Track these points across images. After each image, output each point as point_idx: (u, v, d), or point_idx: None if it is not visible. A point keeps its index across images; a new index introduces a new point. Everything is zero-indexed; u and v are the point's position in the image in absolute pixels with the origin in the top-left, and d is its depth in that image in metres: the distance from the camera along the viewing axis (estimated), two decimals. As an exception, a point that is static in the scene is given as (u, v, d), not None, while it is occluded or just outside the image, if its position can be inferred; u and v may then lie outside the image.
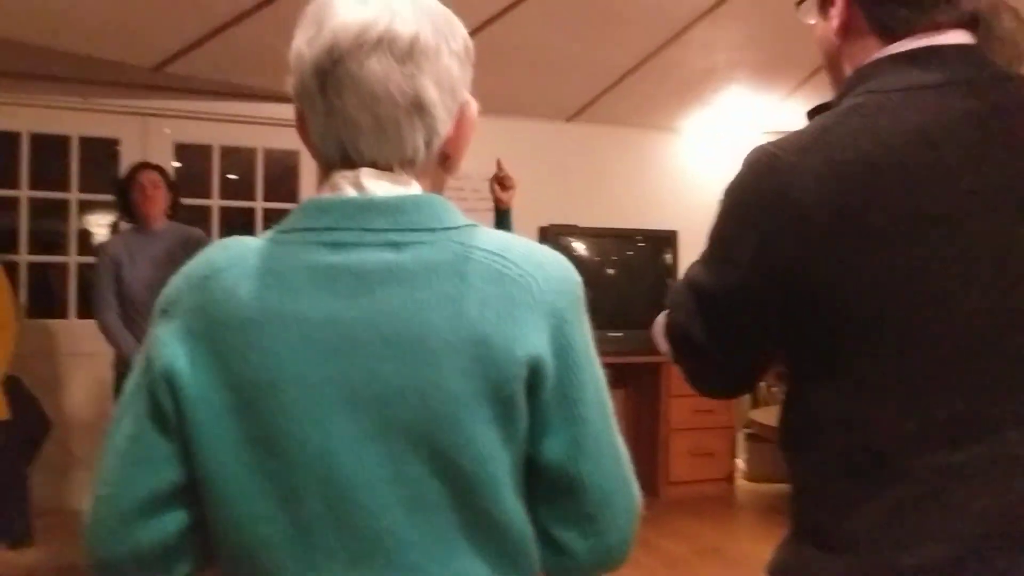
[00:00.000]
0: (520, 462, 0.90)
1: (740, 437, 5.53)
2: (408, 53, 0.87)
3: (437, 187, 0.96)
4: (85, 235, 4.86)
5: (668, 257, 5.41)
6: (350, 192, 0.90)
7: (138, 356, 0.92)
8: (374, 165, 0.90)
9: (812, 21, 1.21)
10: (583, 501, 0.91)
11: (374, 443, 0.85)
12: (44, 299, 4.68)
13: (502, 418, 0.86)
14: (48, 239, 4.74)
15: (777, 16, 4.21)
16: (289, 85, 0.93)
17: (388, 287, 0.86)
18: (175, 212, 3.78)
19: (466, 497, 0.86)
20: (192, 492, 0.89)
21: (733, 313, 1.10)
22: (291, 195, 5.04)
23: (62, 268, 4.65)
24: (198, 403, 0.85)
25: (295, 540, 0.85)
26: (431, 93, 0.89)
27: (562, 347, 0.89)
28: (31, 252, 4.54)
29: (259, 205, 4.94)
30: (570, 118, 5.34)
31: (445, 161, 0.96)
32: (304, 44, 0.89)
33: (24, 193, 4.46)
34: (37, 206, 4.59)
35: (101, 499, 0.89)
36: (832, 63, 1.18)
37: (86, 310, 4.59)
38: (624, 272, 5.34)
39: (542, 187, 5.11)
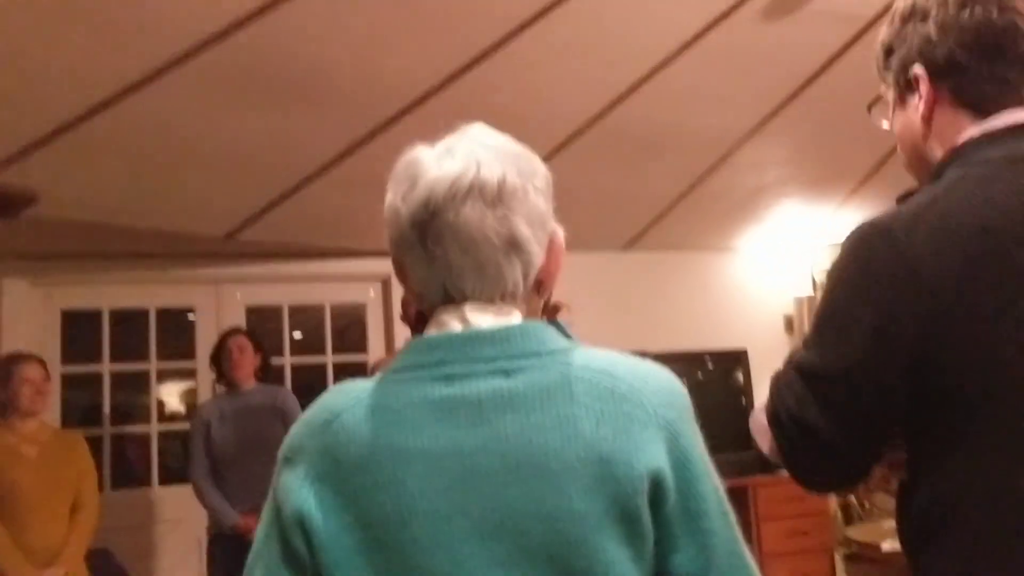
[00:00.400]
0: None
1: (838, 558, 5.27)
2: (498, 197, 0.92)
3: (532, 312, 1.00)
4: (164, 404, 4.99)
5: (739, 376, 5.33)
6: (456, 326, 0.94)
7: (265, 504, 0.95)
8: (477, 300, 0.94)
9: (885, 126, 1.25)
10: None
11: (507, 570, 0.85)
12: (127, 469, 4.76)
13: (629, 536, 0.87)
14: (128, 410, 4.87)
15: (822, 130, 4.28)
16: (386, 237, 0.98)
17: (504, 414, 0.88)
18: (265, 373, 3.96)
19: None
20: None
21: (851, 391, 1.08)
22: (360, 347, 5.13)
23: (143, 438, 4.75)
24: (331, 544, 0.87)
25: None
26: (523, 231, 0.94)
27: (679, 459, 0.90)
28: (113, 424, 4.65)
29: (329, 359, 5.03)
30: (625, 247, 5.41)
31: (539, 287, 0.99)
32: (399, 200, 0.95)
33: (106, 367, 4.61)
34: (117, 378, 4.74)
35: None
36: (916, 149, 1.21)
37: (168, 478, 4.67)
38: (696, 394, 5.08)
39: (604, 316, 5.12)
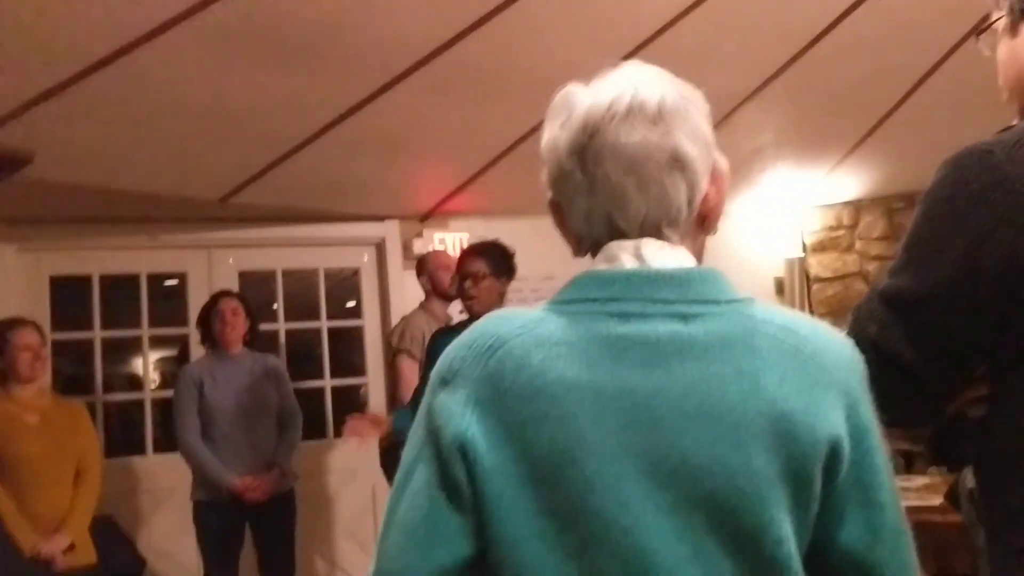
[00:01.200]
0: (804, 550, 0.87)
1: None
2: (658, 114, 0.89)
3: (698, 252, 0.96)
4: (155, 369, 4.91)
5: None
6: (629, 263, 0.90)
7: (413, 429, 0.91)
8: (642, 229, 0.91)
9: (987, 53, 1.25)
10: None
11: (674, 518, 0.83)
12: (121, 437, 4.70)
13: (797, 500, 0.84)
14: (119, 377, 4.80)
15: (819, 95, 4.29)
16: (543, 177, 0.95)
17: (682, 359, 0.85)
18: (252, 339, 3.89)
19: None
20: (479, 567, 0.87)
21: (939, 312, 1.08)
22: (354, 313, 5.09)
23: (138, 404, 4.68)
24: (494, 474, 0.84)
25: None
26: (688, 148, 0.90)
27: (856, 428, 0.87)
28: (105, 391, 4.58)
29: (324, 324, 4.97)
30: (619, 211, 5.40)
31: (703, 222, 0.95)
32: (557, 128, 0.92)
33: (97, 334, 4.52)
34: (107, 345, 4.66)
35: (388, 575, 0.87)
36: (1021, 79, 1.21)
37: (163, 446, 4.62)
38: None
39: (599, 281, 5.12)
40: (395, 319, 4.43)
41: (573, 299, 0.90)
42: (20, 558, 2.82)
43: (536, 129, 3.86)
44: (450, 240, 4.80)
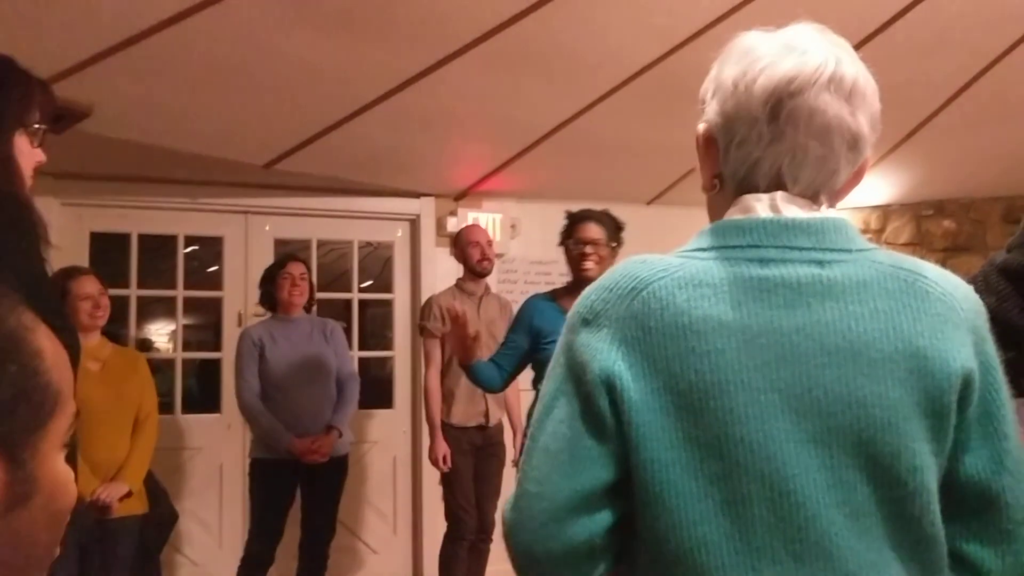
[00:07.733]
0: (940, 480, 0.92)
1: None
2: (852, 93, 0.94)
3: None
4: (186, 331, 4.95)
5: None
6: (765, 213, 0.95)
7: (552, 369, 0.96)
8: (803, 190, 0.95)
9: None
10: (1001, 518, 0.93)
11: (815, 448, 0.88)
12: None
13: (934, 431, 0.89)
14: (151, 336, 4.84)
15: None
16: (711, 108, 0.98)
17: (822, 300, 0.90)
18: (310, 305, 3.95)
19: (898, 506, 0.89)
20: (618, 492, 0.92)
21: None
22: (386, 286, 5.14)
23: (169, 364, 4.74)
24: (640, 405, 0.89)
25: (735, 540, 0.88)
26: (865, 131, 0.95)
27: (983, 364, 0.92)
28: (138, 350, 4.62)
29: (355, 296, 5.03)
30: (650, 202, 5.44)
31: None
32: (756, 70, 0.94)
33: (133, 292, 4.57)
34: (142, 304, 4.72)
35: (533, 496, 0.92)
36: None
37: (192, 407, 4.68)
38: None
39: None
40: (425, 295, 4.48)
41: (711, 246, 0.95)
42: (79, 501, 2.86)
43: (577, 116, 3.90)
44: (484, 220, 4.84)
